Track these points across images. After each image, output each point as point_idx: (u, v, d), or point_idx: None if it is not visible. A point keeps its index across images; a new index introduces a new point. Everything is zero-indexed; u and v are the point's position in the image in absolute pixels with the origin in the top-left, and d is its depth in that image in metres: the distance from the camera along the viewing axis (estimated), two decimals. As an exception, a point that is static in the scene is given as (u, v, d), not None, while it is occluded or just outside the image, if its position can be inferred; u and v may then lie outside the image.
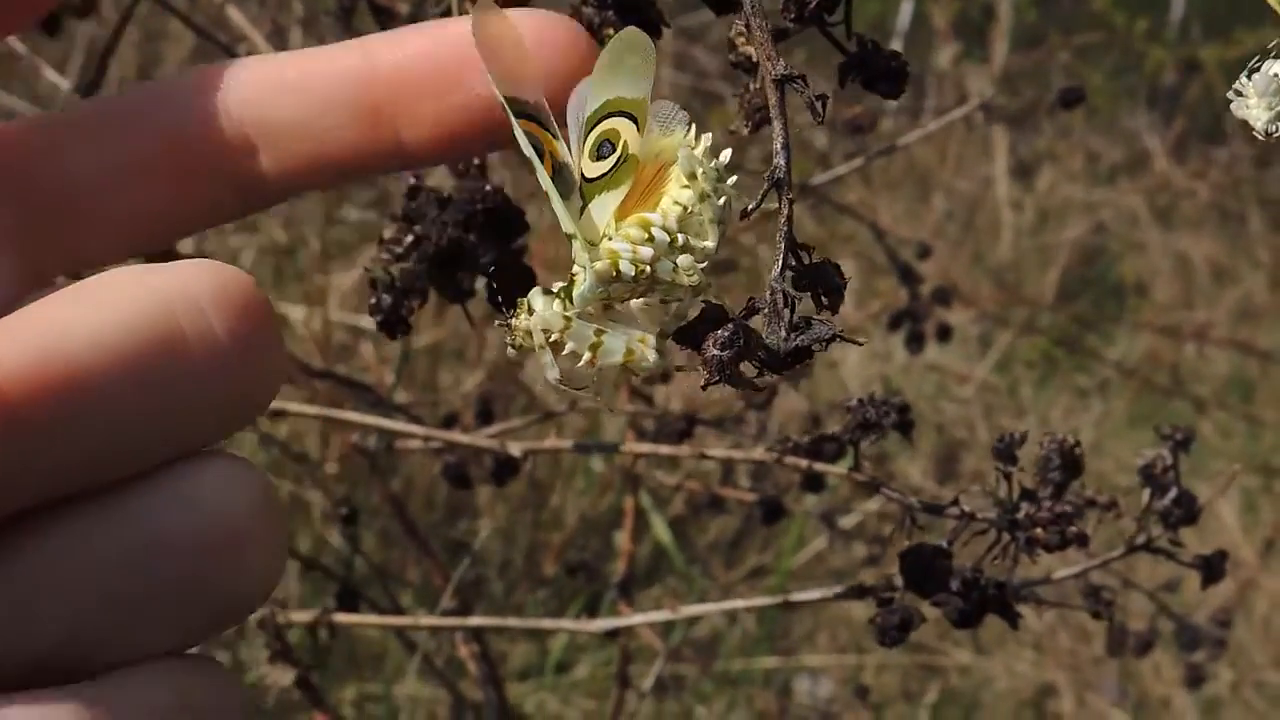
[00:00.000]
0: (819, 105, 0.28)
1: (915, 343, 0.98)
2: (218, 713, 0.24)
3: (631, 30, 0.28)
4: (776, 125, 0.27)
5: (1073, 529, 0.39)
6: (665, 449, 0.50)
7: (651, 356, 0.28)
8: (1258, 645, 1.80)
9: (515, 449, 0.53)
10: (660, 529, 1.76)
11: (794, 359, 0.27)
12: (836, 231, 2.33)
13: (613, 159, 0.27)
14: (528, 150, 0.29)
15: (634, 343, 0.28)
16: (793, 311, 0.27)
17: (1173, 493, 0.47)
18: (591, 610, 1.63)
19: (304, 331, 1.77)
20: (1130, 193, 3.19)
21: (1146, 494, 0.47)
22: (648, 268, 0.28)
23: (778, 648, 1.75)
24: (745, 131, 0.32)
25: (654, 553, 1.80)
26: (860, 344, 0.29)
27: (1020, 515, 0.40)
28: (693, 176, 0.27)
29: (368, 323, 1.52)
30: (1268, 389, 2.57)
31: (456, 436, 0.60)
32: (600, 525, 1.79)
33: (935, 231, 2.86)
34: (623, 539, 0.81)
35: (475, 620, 0.58)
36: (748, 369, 0.28)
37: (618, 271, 0.28)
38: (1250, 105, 0.33)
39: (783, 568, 1.79)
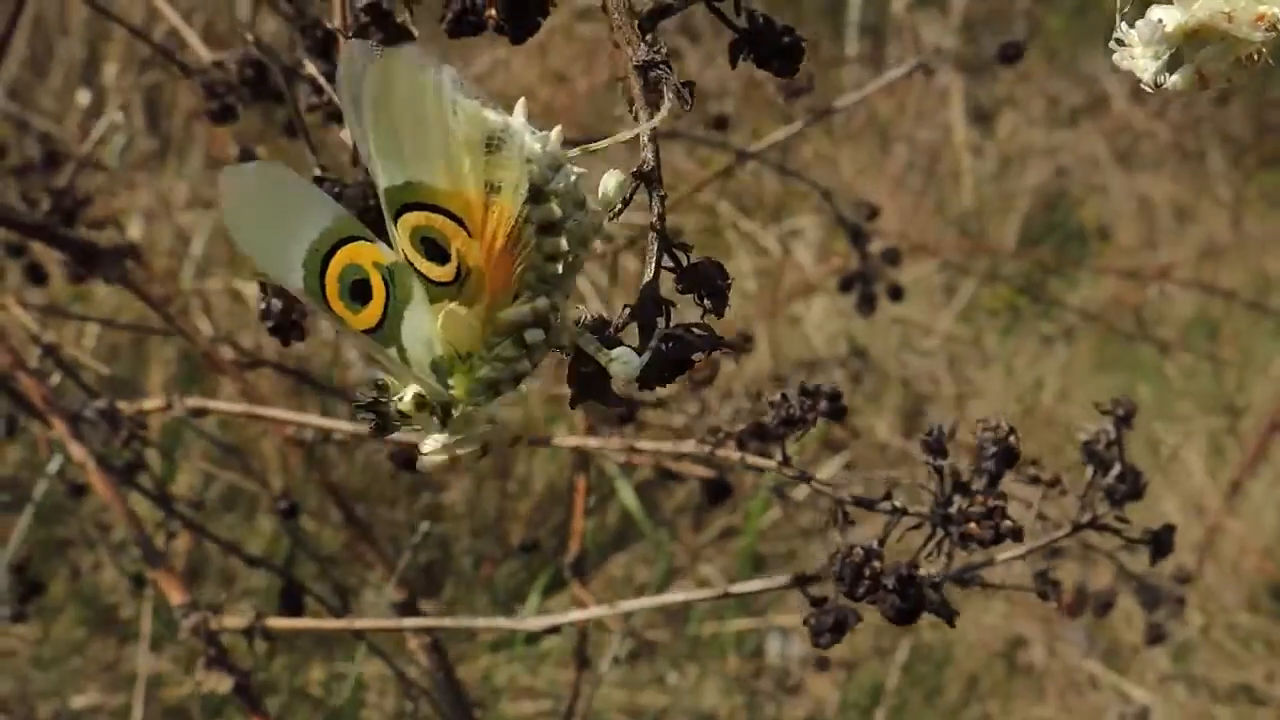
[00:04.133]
0: (685, 92, 0.26)
1: (867, 304, 0.97)
2: None
3: (398, 56, 0.25)
4: (642, 116, 0.26)
5: (1006, 523, 0.38)
6: (594, 442, 0.49)
7: (531, 429, 0.28)
8: (1228, 588, 1.80)
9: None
10: (626, 494, 1.75)
11: (669, 372, 0.26)
12: (794, 189, 2.32)
13: (451, 268, 0.26)
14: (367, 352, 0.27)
15: (515, 429, 0.28)
16: (668, 319, 0.26)
17: (1116, 469, 0.46)
18: (560, 582, 1.62)
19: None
20: (1091, 135, 3.18)
21: (1089, 471, 0.46)
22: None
23: (749, 609, 1.74)
24: (646, 133, 0.30)
25: (621, 518, 1.79)
26: (734, 350, 0.27)
27: (953, 510, 0.39)
28: (549, 227, 0.26)
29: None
30: (1231, 328, 2.57)
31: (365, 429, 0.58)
32: (567, 494, 1.78)
33: (897, 182, 2.84)
34: (575, 519, 0.80)
35: (410, 622, 0.56)
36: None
37: (498, 393, 0.27)
38: (1135, 55, 0.30)
39: (751, 528, 1.79)
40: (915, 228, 2.62)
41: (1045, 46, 3.49)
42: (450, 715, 0.73)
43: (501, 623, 0.50)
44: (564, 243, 0.26)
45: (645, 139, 0.29)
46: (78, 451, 0.59)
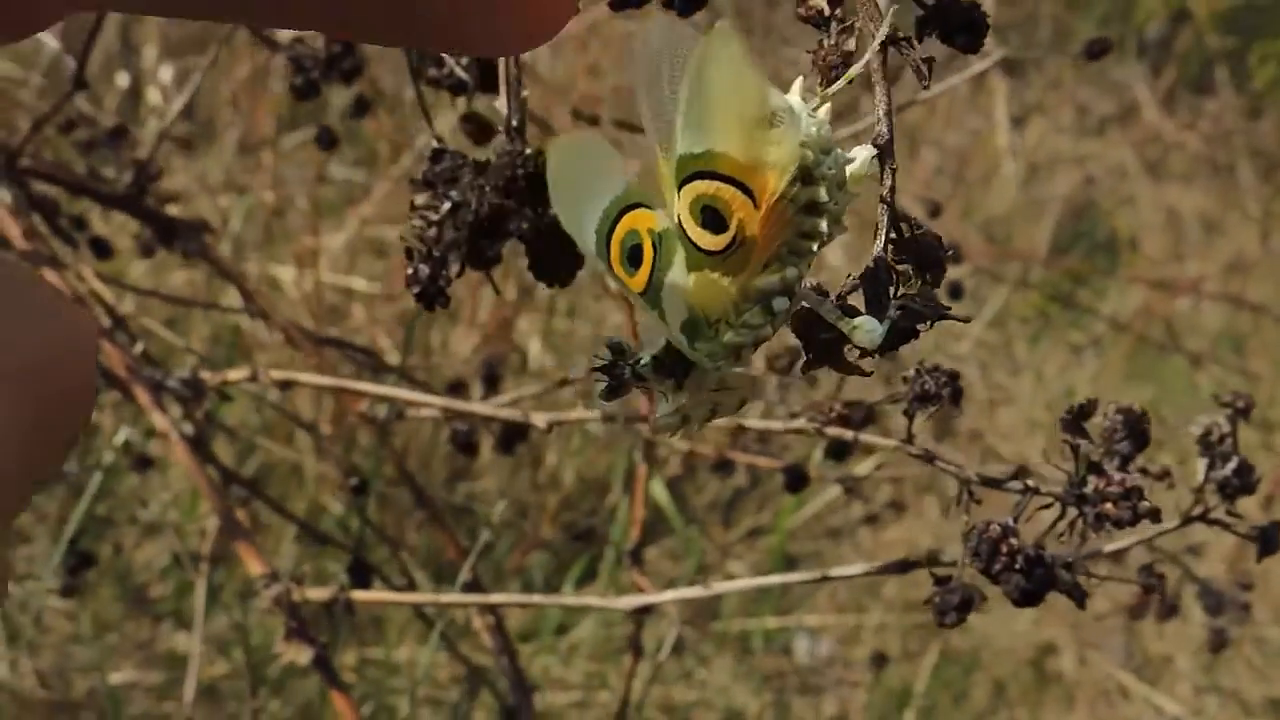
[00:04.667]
0: (925, 69, 0.26)
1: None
2: None
3: (724, 31, 0.26)
4: (879, 91, 0.26)
5: (1144, 503, 0.38)
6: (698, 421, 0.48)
7: (763, 389, 0.28)
8: (1258, 602, 1.79)
9: (540, 420, 0.51)
10: (657, 489, 1.75)
11: (897, 340, 0.26)
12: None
13: (727, 237, 0.26)
14: (614, 284, 0.28)
15: (744, 391, 0.28)
16: (896, 288, 0.26)
17: (1233, 463, 0.45)
18: (592, 573, 1.61)
19: (295, 294, 1.75)
20: (1120, 145, 3.17)
21: (1204, 464, 0.46)
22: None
23: (777, 607, 1.73)
24: (822, 93, 0.30)
25: (651, 512, 1.79)
26: (967, 321, 0.27)
27: (1088, 490, 0.38)
28: (811, 206, 0.26)
29: (359, 284, 1.49)
30: (1259, 342, 2.56)
31: (474, 407, 0.58)
32: (597, 486, 1.78)
33: (925, 186, 2.84)
34: (634, 506, 0.79)
35: (497, 597, 0.56)
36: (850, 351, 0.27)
37: (739, 353, 0.28)
38: None
39: (780, 527, 1.78)
40: (943, 233, 2.61)
41: (1073, 54, 3.48)
42: (512, 697, 0.73)
43: (594, 601, 0.50)
44: (823, 224, 0.26)
45: (881, 113, 0.29)
46: (161, 421, 0.58)
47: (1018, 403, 2.10)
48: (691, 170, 0.26)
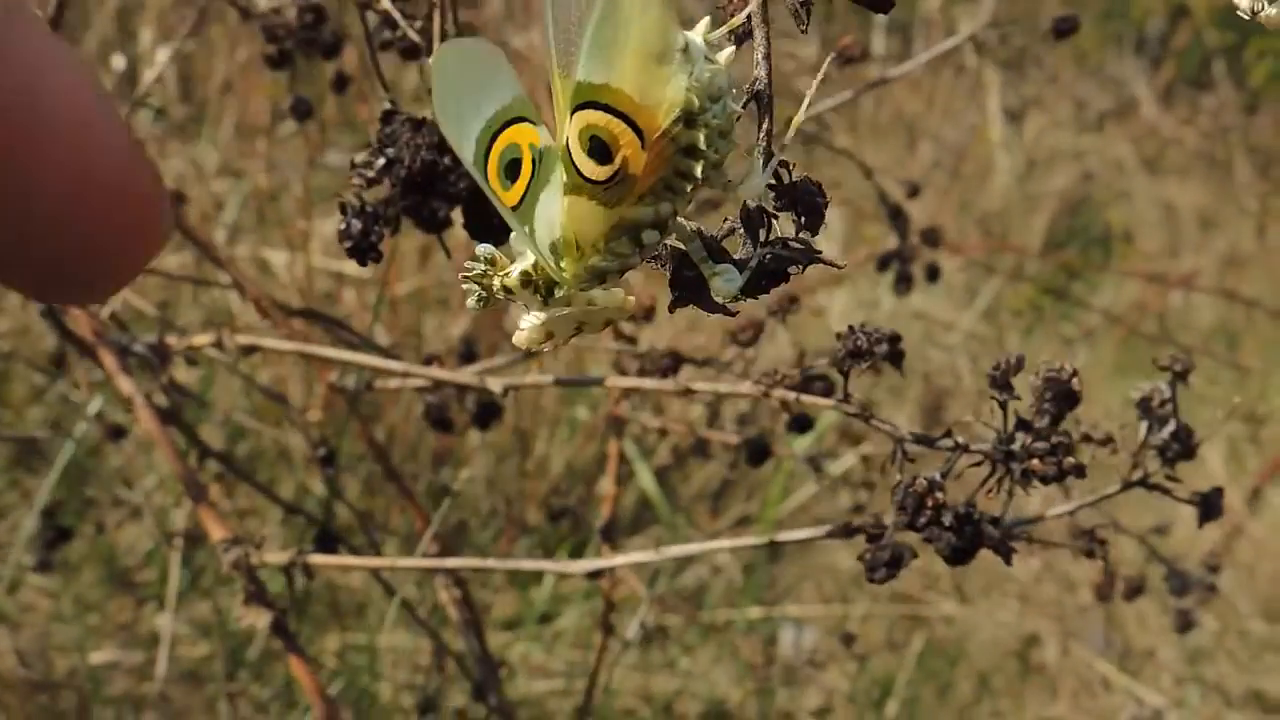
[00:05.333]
0: (803, 12, 0.26)
1: (903, 283, 0.97)
2: None
3: None
4: (758, 34, 0.26)
5: (1070, 459, 0.38)
6: (649, 383, 0.48)
7: (628, 311, 0.28)
8: (1243, 594, 1.79)
9: (495, 385, 0.51)
10: (645, 478, 1.75)
11: (767, 283, 0.26)
12: (822, 176, 2.31)
13: (611, 169, 0.26)
14: (487, 190, 0.28)
15: (611, 313, 0.28)
16: (769, 232, 0.26)
17: (1170, 426, 0.45)
18: (578, 557, 1.61)
19: (286, 277, 1.75)
20: (1118, 140, 3.18)
21: (1143, 428, 0.46)
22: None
23: (763, 598, 1.74)
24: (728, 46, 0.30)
25: (639, 502, 1.79)
26: (840, 268, 0.27)
27: (1016, 447, 0.39)
28: (692, 150, 0.26)
29: (351, 269, 1.49)
30: (1253, 336, 2.56)
31: (435, 373, 0.58)
32: (584, 473, 1.78)
33: (922, 180, 2.84)
34: (606, 483, 0.80)
35: (453, 561, 0.56)
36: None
37: (604, 278, 0.28)
38: None
39: (767, 516, 1.78)
40: (939, 224, 2.62)
41: (1074, 50, 3.49)
42: (478, 672, 0.73)
43: (546, 565, 0.50)
44: (699, 168, 0.27)
45: (760, 56, 0.29)
46: (126, 385, 0.59)
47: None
48: (587, 99, 0.26)
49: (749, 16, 0.27)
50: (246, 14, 0.64)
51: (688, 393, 0.46)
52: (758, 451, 0.71)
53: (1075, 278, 2.61)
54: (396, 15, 0.44)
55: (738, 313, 0.28)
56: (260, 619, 0.57)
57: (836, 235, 2.33)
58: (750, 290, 0.27)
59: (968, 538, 0.39)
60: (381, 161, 0.36)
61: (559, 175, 0.27)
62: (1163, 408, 0.46)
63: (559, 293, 0.28)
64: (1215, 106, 3.24)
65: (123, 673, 1.26)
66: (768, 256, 0.26)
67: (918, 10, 3.22)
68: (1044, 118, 3.20)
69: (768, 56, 0.27)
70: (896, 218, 0.95)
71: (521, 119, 0.28)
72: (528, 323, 0.28)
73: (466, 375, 0.56)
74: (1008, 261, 2.46)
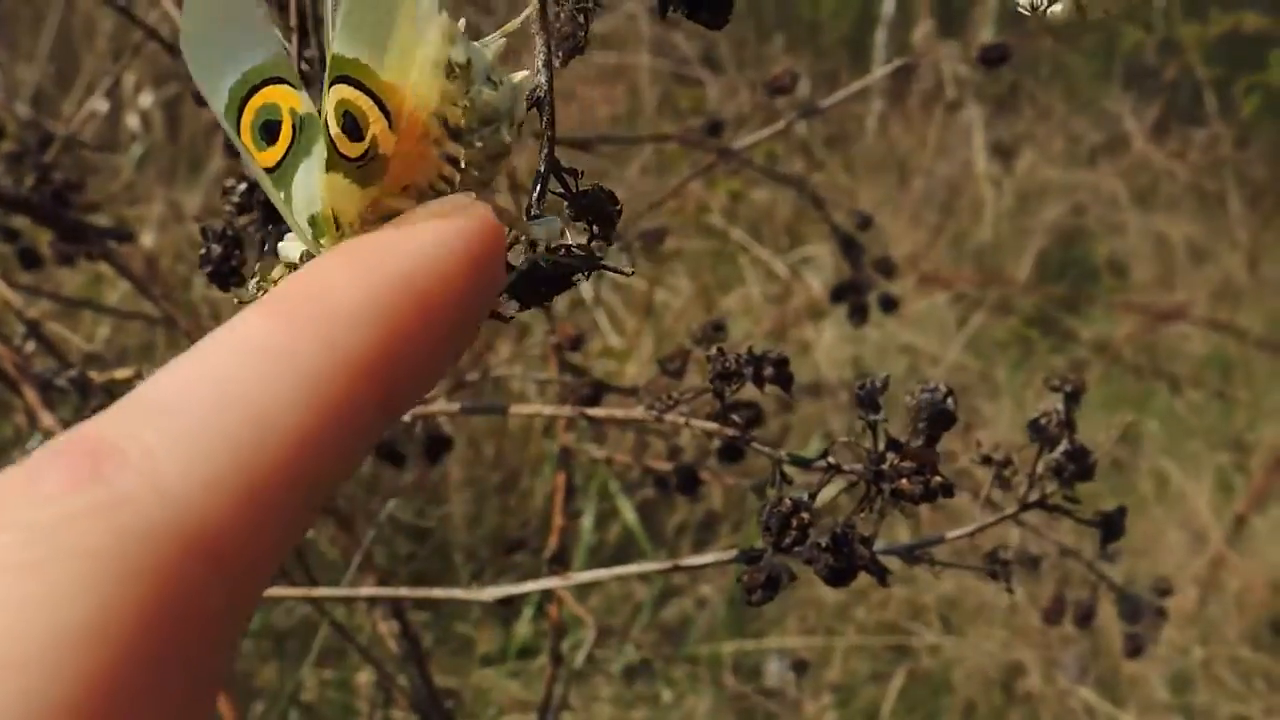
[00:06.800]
0: (581, 19, 0.26)
1: (858, 315, 0.97)
2: None
3: None
4: (538, 42, 0.26)
5: (937, 479, 0.38)
6: (549, 409, 0.49)
7: None
8: (1229, 622, 1.79)
9: (448, 406, 0.52)
10: (627, 512, 1.75)
11: (548, 290, 0.26)
12: (807, 214, 2.32)
13: (362, 148, 0.26)
14: (246, 157, 0.28)
15: None
16: (550, 241, 0.26)
17: (1064, 446, 0.46)
18: (554, 593, 1.61)
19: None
20: (1109, 174, 3.18)
21: (1036, 449, 0.46)
22: None
23: (746, 631, 1.73)
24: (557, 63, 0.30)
25: (623, 536, 1.79)
26: (628, 274, 0.28)
27: (885, 466, 0.39)
28: (457, 134, 0.26)
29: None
30: (1245, 369, 2.56)
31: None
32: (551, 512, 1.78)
33: (914, 216, 2.85)
34: (553, 514, 0.80)
35: (365, 591, 0.56)
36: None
37: None
38: None
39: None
40: (930, 261, 2.63)
41: (1065, 85, 3.50)
42: (423, 703, 0.73)
43: (458, 593, 0.51)
44: (457, 178, 0.27)
45: (540, 63, 0.29)
46: (48, 419, 0.59)
47: (994, 427, 2.10)
48: (341, 72, 0.26)
49: (534, 23, 0.27)
50: (175, 52, 0.65)
51: (584, 416, 0.47)
52: (687, 480, 0.71)
53: (1066, 310, 2.61)
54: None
55: (512, 318, 0.27)
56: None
57: (824, 269, 2.34)
58: (528, 298, 0.27)
59: (844, 558, 0.39)
60: (243, 186, 0.37)
61: (320, 147, 0.27)
62: (1058, 428, 0.46)
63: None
64: (1207, 140, 3.24)
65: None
66: (548, 262, 0.26)
67: (912, 48, 3.24)
68: (1036, 152, 3.21)
69: (548, 64, 0.27)
70: (849, 248, 0.96)
71: (283, 80, 0.27)
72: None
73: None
74: (997, 294, 2.46)
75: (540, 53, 0.26)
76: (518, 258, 0.26)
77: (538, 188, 0.27)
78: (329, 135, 0.26)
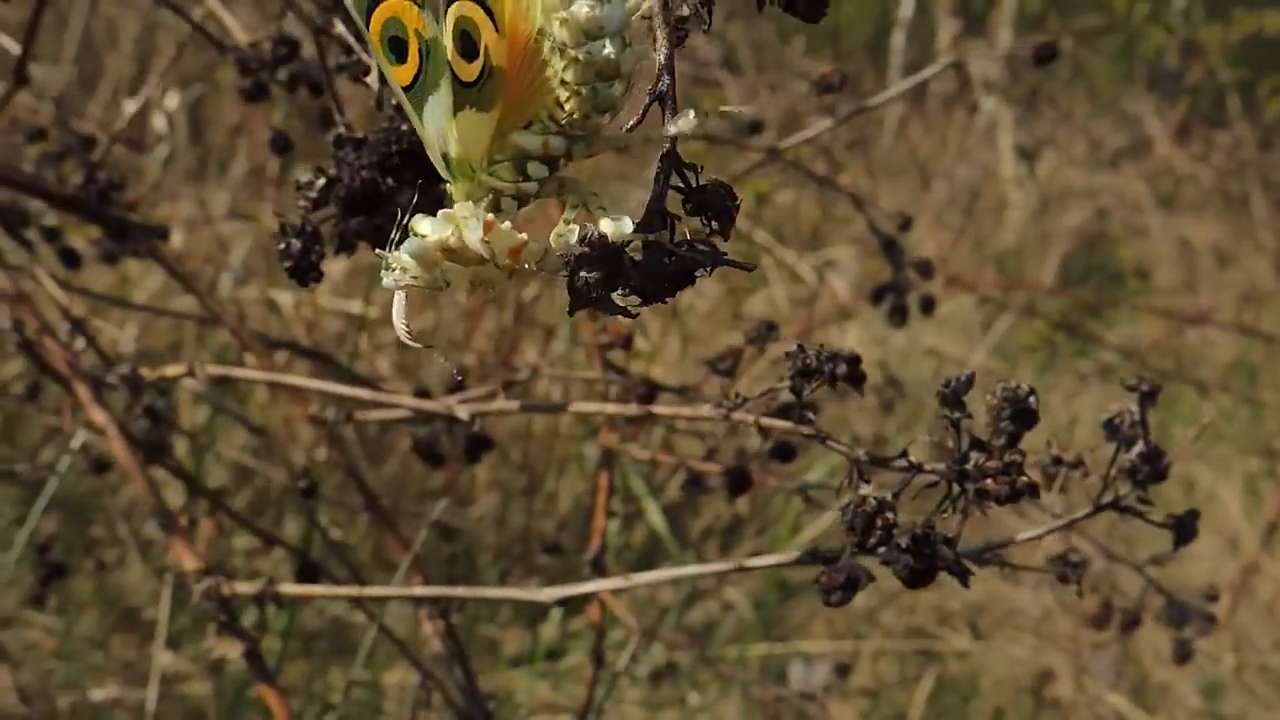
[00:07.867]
0: (704, 12, 0.26)
1: (898, 316, 0.97)
2: None
3: None
4: (660, 35, 0.25)
5: (1023, 479, 0.37)
6: (611, 407, 0.48)
7: (521, 254, 0.27)
8: (1261, 629, 1.77)
9: (462, 411, 0.51)
10: (654, 515, 1.74)
11: (671, 285, 0.25)
12: (832, 214, 2.32)
13: (478, 68, 0.26)
14: (384, 69, 0.27)
15: (504, 257, 0.27)
16: (673, 234, 0.26)
17: (1139, 447, 0.45)
18: (583, 596, 1.60)
19: (293, 316, 1.76)
20: (1133, 178, 3.17)
21: (1112, 449, 0.45)
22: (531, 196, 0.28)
23: (773, 635, 1.72)
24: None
25: (648, 540, 1.78)
26: (751, 269, 0.27)
27: (970, 466, 0.38)
28: (575, 73, 0.26)
29: (358, 308, 1.49)
30: (1271, 372, 2.55)
31: (401, 399, 0.58)
32: (592, 511, 1.77)
33: (936, 219, 2.84)
34: (594, 517, 0.79)
35: (419, 590, 0.56)
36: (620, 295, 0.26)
37: (499, 208, 0.27)
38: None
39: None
40: (953, 264, 2.61)
41: (1088, 88, 3.49)
42: (464, 703, 0.73)
43: (515, 593, 0.50)
44: (574, 104, 0.26)
45: (662, 59, 0.28)
46: (99, 416, 0.58)
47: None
48: None
49: (656, 15, 0.27)
50: (222, 48, 0.65)
51: (650, 416, 0.46)
52: (738, 481, 0.71)
53: (1090, 314, 2.60)
54: (352, 40, 0.44)
55: (638, 314, 0.27)
56: (232, 650, 0.57)
57: (848, 272, 2.33)
58: (654, 294, 0.26)
59: (925, 559, 0.38)
60: (322, 181, 0.36)
61: (446, 86, 0.26)
62: (1132, 429, 0.45)
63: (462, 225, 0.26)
64: (1230, 143, 3.23)
65: (125, 710, 1.26)
66: (672, 258, 0.26)
67: (932, 52, 3.24)
68: (1059, 156, 3.20)
69: (670, 58, 0.26)
70: (890, 249, 0.95)
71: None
72: (399, 262, 0.27)
73: (431, 403, 0.56)
74: (1022, 298, 2.45)
75: (662, 49, 0.25)
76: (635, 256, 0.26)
77: (659, 179, 0.26)
78: (452, 71, 0.26)
